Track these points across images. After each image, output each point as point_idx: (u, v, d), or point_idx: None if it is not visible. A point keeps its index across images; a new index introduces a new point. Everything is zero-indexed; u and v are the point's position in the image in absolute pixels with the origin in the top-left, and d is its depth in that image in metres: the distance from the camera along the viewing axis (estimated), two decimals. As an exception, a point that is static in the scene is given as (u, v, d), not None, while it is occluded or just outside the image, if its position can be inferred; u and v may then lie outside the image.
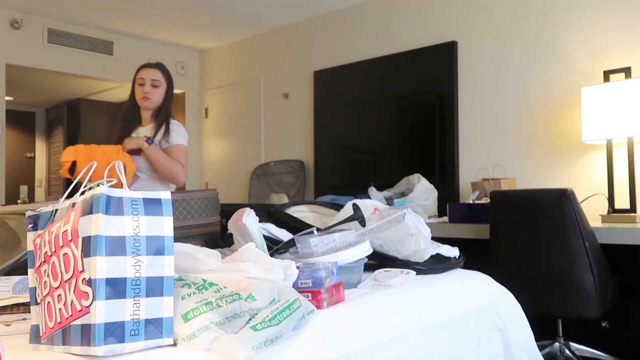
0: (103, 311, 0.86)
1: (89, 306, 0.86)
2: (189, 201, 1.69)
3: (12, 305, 1.11)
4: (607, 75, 2.97)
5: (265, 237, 1.64)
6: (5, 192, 4.54)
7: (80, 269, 0.88)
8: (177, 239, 1.23)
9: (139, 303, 0.89)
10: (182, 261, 1.12)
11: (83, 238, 0.89)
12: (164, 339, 0.91)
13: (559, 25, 3.24)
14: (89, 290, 0.86)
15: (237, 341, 0.91)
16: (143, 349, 0.89)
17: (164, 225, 0.93)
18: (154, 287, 0.91)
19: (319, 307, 1.22)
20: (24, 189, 7.25)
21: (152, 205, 0.93)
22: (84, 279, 0.87)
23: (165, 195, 0.96)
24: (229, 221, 1.63)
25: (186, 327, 0.92)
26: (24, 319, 1.09)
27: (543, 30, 3.31)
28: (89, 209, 0.90)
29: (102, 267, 0.86)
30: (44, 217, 1.02)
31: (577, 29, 3.17)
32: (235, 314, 0.97)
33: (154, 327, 0.90)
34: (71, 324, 0.89)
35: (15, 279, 1.21)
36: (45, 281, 0.95)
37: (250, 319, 0.99)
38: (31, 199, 7.25)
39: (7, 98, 4.66)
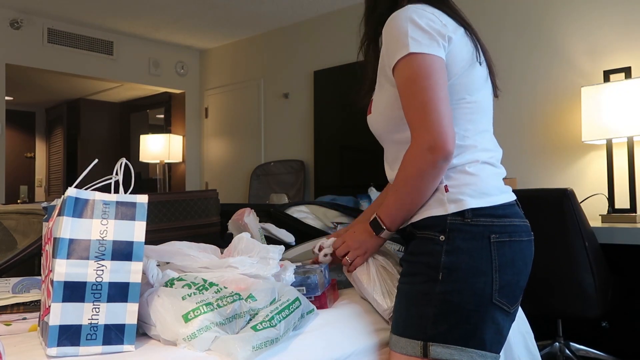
0: (59, 314, 0.85)
1: (49, 307, 0.87)
2: (188, 202, 1.69)
3: (12, 305, 1.11)
4: (607, 75, 2.96)
5: (266, 237, 1.64)
6: (5, 192, 4.53)
7: (51, 268, 0.89)
8: (177, 239, 1.23)
9: (98, 308, 0.88)
10: (176, 260, 1.11)
11: (54, 239, 0.89)
12: (125, 346, 0.90)
13: (559, 25, 3.24)
14: (52, 290, 0.87)
15: (237, 341, 0.91)
16: (101, 354, 0.88)
17: (135, 230, 0.91)
18: (117, 293, 0.89)
19: (323, 307, 1.22)
20: (24, 189, 7.25)
21: (124, 209, 0.92)
22: (51, 279, 0.87)
23: (141, 199, 0.94)
24: (230, 221, 1.63)
25: (187, 328, 0.92)
26: (24, 318, 1.09)
27: (543, 30, 3.30)
28: (60, 210, 0.90)
29: (61, 270, 0.86)
30: (50, 210, 1.03)
31: (577, 29, 3.17)
32: (236, 314, 0.97)
33: (114, 332, 0.89)
34: (44, 319, 0.90)
35: (15, 279, 1.21)
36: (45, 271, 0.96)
37: (250, 319, 0.99)
38: (31, 199, 7.25)
39: (7, 98, 4.66)
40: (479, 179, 1.17)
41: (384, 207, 1.21)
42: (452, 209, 1.13)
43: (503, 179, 1.25)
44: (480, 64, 1.24)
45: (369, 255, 1.27)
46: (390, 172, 1.26)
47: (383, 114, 1.26)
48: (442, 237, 1.13)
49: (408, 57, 1.11)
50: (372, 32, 1.30)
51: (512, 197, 1.22)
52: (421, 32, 1.12)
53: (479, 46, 1.24)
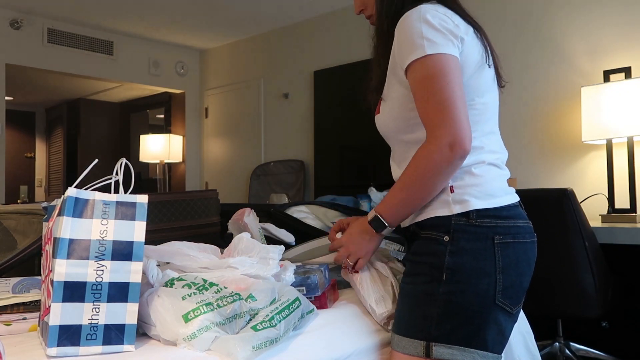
0: (59, 314, 0.85)
1: (49, 307, 0.87)
2: (188, 202, 1.69)
3: (12, 305, 1.11)
4: (607, 75, 2.96)
5: (266, 237, 1.64)
6: (5, 192, 4.53)
7: (51, 268, 0.88)
8: (177, 239, 1.23)
9: (98, 308, 0.88)
10: (176, 260, 1.11)
11: (54, 239, 0.89)
12: (125, 346, 0.90)
13: (559, 25, 3.24)
14: (52, 290, 0.87)
15: (237, 341, 0.91)
16: (101, 354, 0.88)
17: (135, 230, 0.91)
18: (117, 292, 0.89)
19: (323, 307, 1.22)
20: (24, 189, 7.25)
21: (124, 209, 0.91)
22: (51, 279, 0.87)
23: (141, 198, 0.93)
24: (230, 221, 1.63)
25: (187, 328, 0.92)
26: (24, 318, 1.09)
27: (543, 30, 3.30)
28: (60, 210, 0.90)
29: (61, 270, 0.86)
30: (50, 210, 1.03)
31: (577, 29, 3.17)
32: (236, 314, 0.97)
33: (114, 332, 0.89)
34: (44, 319, 0.90)
35: (15, 279, 1.21)
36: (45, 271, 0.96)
37: (250, 319, 0.99)
38: (31, 199, 7.25)
39: (7, 98, 4.66)
40: (485, 180, 1.17)
41: (386, 204, 1.19)
42: (457, 209, 1.14)
43: None
44: (489, 66, 1.24)
45: (372, 255, 1.26)
46: (398, 171, 1.24)
47: (392, 114, 1.25)
48: (446, 238, 1.13)
49: (424, 59, 1.10)
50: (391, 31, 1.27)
51: (516, 199, 1.22)
52: (435, 32, 1.11)
53: (488, 48, 1.24)
